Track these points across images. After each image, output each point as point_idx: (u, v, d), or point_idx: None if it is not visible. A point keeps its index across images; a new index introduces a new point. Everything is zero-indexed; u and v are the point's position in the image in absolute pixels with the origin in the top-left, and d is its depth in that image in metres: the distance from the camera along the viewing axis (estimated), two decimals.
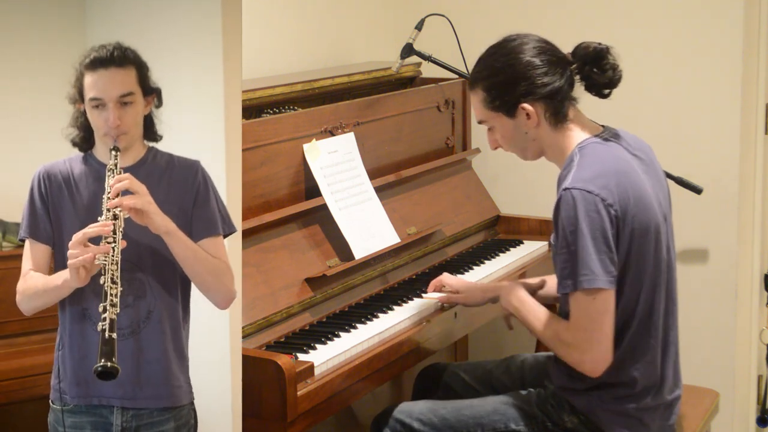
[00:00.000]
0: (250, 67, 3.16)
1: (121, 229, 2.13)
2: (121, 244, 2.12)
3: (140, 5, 2.62)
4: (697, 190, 3.46)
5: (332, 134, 3.12)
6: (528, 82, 2.45)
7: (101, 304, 2.08)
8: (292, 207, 2.91)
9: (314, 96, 3.30)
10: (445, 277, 2.92)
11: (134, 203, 2.14)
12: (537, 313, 2.52)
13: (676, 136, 3.68)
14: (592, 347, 2.36)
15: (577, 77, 2.50)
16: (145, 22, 2.59)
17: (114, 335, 2.06)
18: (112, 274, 2.09)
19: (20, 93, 2.95)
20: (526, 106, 2.47)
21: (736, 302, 3.71)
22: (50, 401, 2.30)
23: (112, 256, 2.10)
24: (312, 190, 3.01)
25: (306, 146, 3.01)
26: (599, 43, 2.49)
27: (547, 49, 2.49)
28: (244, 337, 2.51)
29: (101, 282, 2.10)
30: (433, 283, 2.94)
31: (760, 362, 3.78)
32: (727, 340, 3.73)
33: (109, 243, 2.11)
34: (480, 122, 2.59)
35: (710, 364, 3.72)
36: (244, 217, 2.65)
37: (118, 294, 2.10)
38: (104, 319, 2.06)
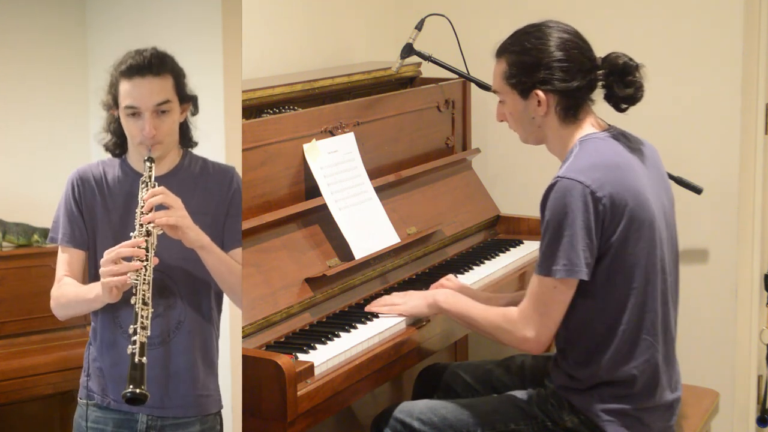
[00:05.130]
0: (250, 67, 3.17)
1: (153, 246, 2.11)
2: (153, 261, 2.11)
3: (140, 5, 2.62)
4: (697, 190, 3.46)
5: (332, 134, 3.12)
6: (549, 72, 2.47)
7: (131, 326, 2.07)
8: (292, 207, 2.91)
9: (314, 96, 3.30)
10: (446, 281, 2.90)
11: (167, 220, 2.12)
12: (476, 304, 2.61)
13: (676, 136, 3.68)
14: (540, 329, 2.42)
15: (600, 84, 2.51)
16: (145, 22, 2.59)
17: (144, 359, 2.05)
18: (144, 295, 2.08)
19: (19, 93, 2.94)
20: (539, 93, 2.48)
21: (736, 302, 3.71)
22: (78, 397, 2.30)
23: (144, 275, 2.09)
24: (312, 190, 3.00)
25: (306, 146, 3.00)
26: (631, 59, 2.50)
27: (581, 47, 2.50)
28: (244, 337, 2.51)
29: (132, 302, 2.09)
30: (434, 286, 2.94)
31: (760, 362, 3.77)
32: (727, 340, 3.73)
33: (141, 261, 2.09)
34: (494, 92, 2.62)
35: (710, 364, 3.72)
36: (244, 217, 2.64)
37: (149, 316, 2.08)
38: (134, 342, 2.06)
